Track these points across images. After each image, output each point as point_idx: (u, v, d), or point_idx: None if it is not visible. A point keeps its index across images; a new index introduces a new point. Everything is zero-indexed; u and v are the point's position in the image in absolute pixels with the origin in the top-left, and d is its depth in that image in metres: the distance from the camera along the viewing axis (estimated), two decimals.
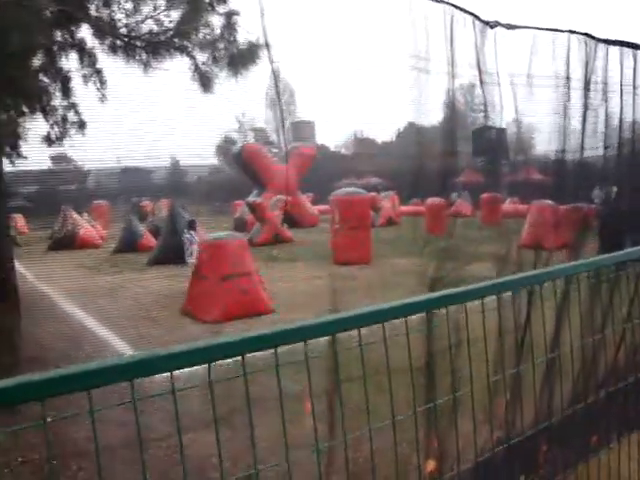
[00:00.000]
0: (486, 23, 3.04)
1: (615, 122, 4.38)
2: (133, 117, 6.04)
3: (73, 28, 5.83)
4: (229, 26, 5.26)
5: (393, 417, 1.40)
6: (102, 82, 6.22)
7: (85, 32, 5.54)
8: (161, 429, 4.08)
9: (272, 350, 1.12)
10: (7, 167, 6.40)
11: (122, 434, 3.70)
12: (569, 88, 3.73)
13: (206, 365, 1.07)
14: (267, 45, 2.72)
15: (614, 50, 3.76)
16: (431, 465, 2.16)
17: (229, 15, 5.25)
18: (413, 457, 1.54)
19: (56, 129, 6.97)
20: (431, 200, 21.21)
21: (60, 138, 7.09)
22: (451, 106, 3.79)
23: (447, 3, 2.79)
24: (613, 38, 3.75)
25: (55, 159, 10.70)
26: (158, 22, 5.26)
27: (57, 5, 5.21)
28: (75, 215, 17.32)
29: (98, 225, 19.05)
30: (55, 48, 5.95)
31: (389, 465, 1.46)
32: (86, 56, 5.72)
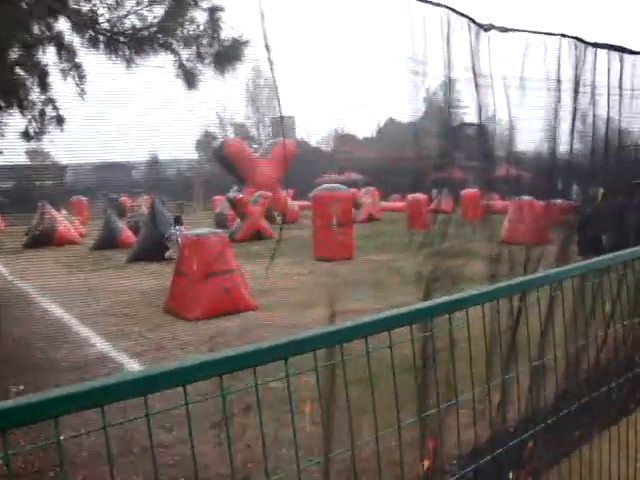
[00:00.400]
0: (480, 26, 3.07)
1: (602, 123, 4.46)
2: (113, 112, 5.98)
3: (53, 21, 5.75)
4: (213, 22, 5.23)
5: (399, 422, 1.42)
6: (81, 77, 6.13)
7: (65, 26, 5.46)
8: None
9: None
10: None
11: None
12: (560, 90, 3.79)
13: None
14: (267, 48, 2.72)
15: (602, 53, 3.83)
16: (426, 464, 2.19)
17: (213, 11, 5.22)
18: (409, 457, 1.56)
19: (34, 124, 6.87)
20: (411, 196, 21.39)
21: (38, 133, 6.99)
22: (445, 105, 3.81)
23: (444, 6, 2.81)
24: (601, 42, 3.82)
25: (31, 154, 10.54)
26: (141, 17, 5.21)
27: None
28: (53, 211, 17.07)
29: (77, 221, 18.80)
30: (34, 42, 5.85)
31: (387, 465, 1.48)
32: (66, 50, 5.64)
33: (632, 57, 4.25)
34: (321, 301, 8.68)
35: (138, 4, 5.07)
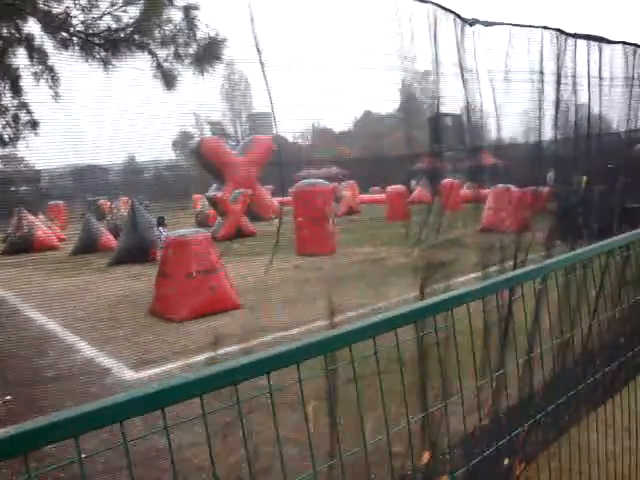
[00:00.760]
0: (465, 21, 3.10)
1: (583, 111, 4.54)
2: (87, 113, 5.90)
3: (23, 23, 5.65)
4: (188, 21, 5.19)
5: (407, 416, 1.43)
6: (55, 80, 6.05)
7: (38, 28, 5.37)
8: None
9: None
10: None
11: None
12: (542, 81, 3.85)
13: None
14: (258, 50, 2.71)
15: (582, 43, 3.90)
16: (426, 456, 2.22)
17: (188, 9, 5.18)
18: (407, 448, 1.59)
19: (8, 129, 6.76)
20: (391, 188, 21.50)
21: (13, 138, 6.88)
22: (435, 101, 3.84)
23: (430, 2, 2.83)
24: (581, 32, 3.89)
25: (5, 159, 10.36)
26: (116, 19, 5.14)
27: None
28: (30, 217, 16.82)
29: (55, 226, 18.54)
30: (4, 45, 5.76)
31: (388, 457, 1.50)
32: (39, 53, 5.55)
33: (610, 46, 4.34)
34: (308, 296, 8.74)
35: (112, 5, 5.02)
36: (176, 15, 5.26)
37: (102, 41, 5.20)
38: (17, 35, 5.77)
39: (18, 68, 6.10)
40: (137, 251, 13.38)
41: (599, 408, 3.14)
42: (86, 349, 7.24)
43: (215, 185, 21.61)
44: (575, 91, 4.23)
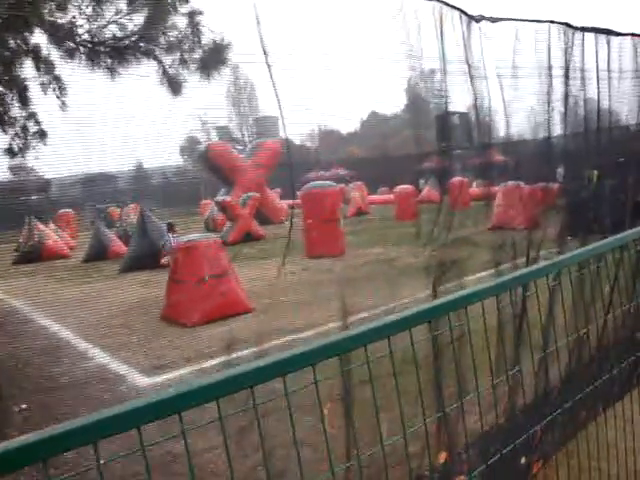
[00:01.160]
0: (471, 17, 3.09)
1: (592, 105, 4.51)
2: (94, 121, 5.94)
3: (30, 35, 5.70)
4: (193, 26, 5.21)
5: (423, 415, 1.42)
6: (62, 89, 6.09)
7: (45, 39, 5.41)
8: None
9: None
10: None
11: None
12: (550, 75, 3.82)
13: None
14: (265, 52, 2.71)
15: (590, 37, 3.88)
16: (443, 456, 2.20)
17: (192, 15, 5.20)
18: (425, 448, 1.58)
19: (17, 140, 6.82)
20: (399, 188, 21.47)
21: (22, 149, 6.94)
22: (428, 95, 3.83)
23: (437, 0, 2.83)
24: (589, 25, 3.86)
25: (14, 169, 10.44)
26: (121, 27, 5.18)
27: (11, 10, 5.08)
28: (41, 226, 16.94)
29: (65, 234, 18.67)
30: (11, 55, 5.81)
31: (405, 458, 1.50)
32: (47, 64, 5.60)
33: (618, 39, 4.31)
34: (318, 299, 8.73)
35: (117, 13, 5.05)
36: (181, 21, 5.28)
37: (108, 49, 5.23)
38: (24, 46, 5.82)
39: (26, 79, 6.16)
40: (147, 257, 13.44)
41: (616, 404, 3.11)
42: (99, 356, 7.27)
43: (223, 190, 21.69)
44: (584, 85, 4.20)
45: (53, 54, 5.83)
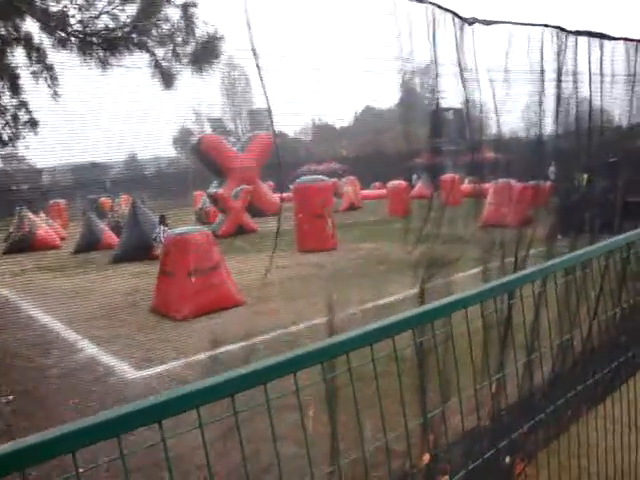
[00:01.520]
0: (464, 20, 3.09)
1: (584, 109, 4.53)
2: (88, 112, 5.90)
3: (21, 22, 5.65)
4: (187, 18, 5.18)
5: (404, 418, 1.44)
6: (54, 78, 6.05)
7: (36, 28, 5.36)
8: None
9: None
10: None
11: None
12: (543, 79, 3.84)
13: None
14: (254, 53, 2.70)
15: (583, 40, 3.89)
16: (426, 457, 2.22)
17: (186, 7, 5.17)
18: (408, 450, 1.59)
19: (7, 129, 6.77)
20: (392, 183, 21.46)
21: (13, 138, 6.89)
22: (423, 91, 3.84)
23: (428, 2, 2.82)
24: (582, 29, 3.88)
25: (5, 158, 10.36)
26: (114, 17, 5.14)
27: None
28: (31, 215, 16.83)
29: (56, 224, 18.56)
30: (3, 43, 5.75)
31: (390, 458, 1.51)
32: (38, 52, 5.55)
33: (612, 43, 4.32)
34: (309, 293, 8.75)
35: (110, 3, 5.01)
36: (174, 13, 5.25)
37: (100, 40, 5.19)
38: (15, 34, 5.76)
39: (17, 67, 6.10)
40: (138, 249, 13.41)
41: (599, 405, 3.15)
42: (88, 348, 7.26)
43: (216, 182, 21.60)
44: (576, 88, 4.22)
45: (44, 43, 5.78)
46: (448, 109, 4.79)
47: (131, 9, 5.08)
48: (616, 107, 5.15)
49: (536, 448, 2.93)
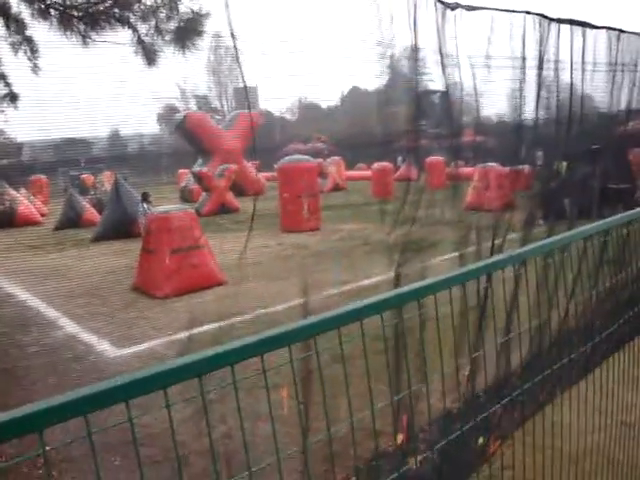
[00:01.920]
0: (447, 5, 3.06)
1: (565, 96, 4.55)
2: (71, 87, 5.80)
3: None
4: None
5: (371, 402, 1.45)
6: (34, 52, 5.92)
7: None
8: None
9: None
10: None
11: None
12: (524, 66, 3.84)
13: None
14: (232, 36, 2.66)
15: (565, 28, 3.89)
16: (400, 437, 2.26)
17: None
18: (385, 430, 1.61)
19: None
20: (377, 165, 21.44)
21: None
22: (410, 72, 3.82)
23: None
24: (564, 17, 3.88)
25: None
26: None
27: None
28: (12, 191, 16.58)
29: (37, 200, 18.32)
30: None
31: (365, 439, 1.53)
32: (17, 23, 5.42)
33: (594, 32, 4.33)
34: (292, 273, 8.76)
35: None
36: None
37: (80, 14, 5.08)
38: None
39: None
40: (120, 226, 13.31)
41: (574, 387, 3.20)
42: (68, 325, 7.22)
43: (200, 160, 21.44)
44: (558, 76, 4.24)
45: (23, 13, 5.65)
46: (433, 91, 4.78)
47: None
48: (597, 95, 5.18)
49: (511, 427, 2.98)
